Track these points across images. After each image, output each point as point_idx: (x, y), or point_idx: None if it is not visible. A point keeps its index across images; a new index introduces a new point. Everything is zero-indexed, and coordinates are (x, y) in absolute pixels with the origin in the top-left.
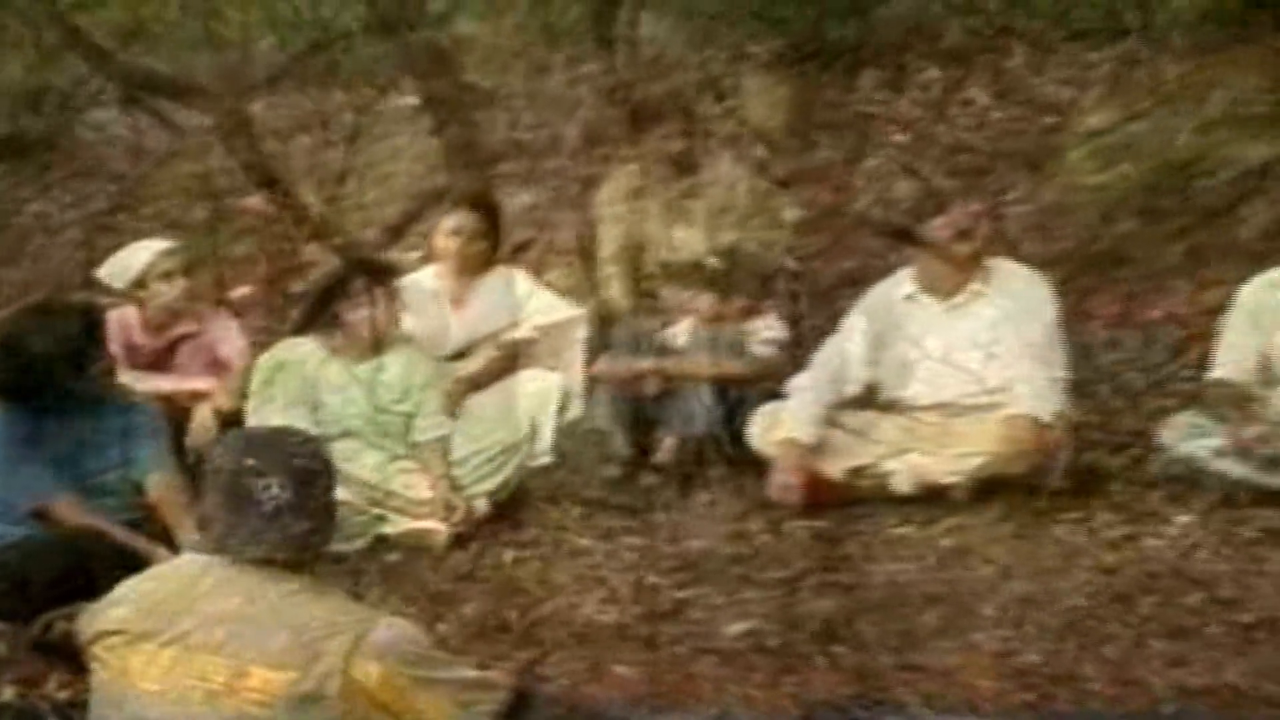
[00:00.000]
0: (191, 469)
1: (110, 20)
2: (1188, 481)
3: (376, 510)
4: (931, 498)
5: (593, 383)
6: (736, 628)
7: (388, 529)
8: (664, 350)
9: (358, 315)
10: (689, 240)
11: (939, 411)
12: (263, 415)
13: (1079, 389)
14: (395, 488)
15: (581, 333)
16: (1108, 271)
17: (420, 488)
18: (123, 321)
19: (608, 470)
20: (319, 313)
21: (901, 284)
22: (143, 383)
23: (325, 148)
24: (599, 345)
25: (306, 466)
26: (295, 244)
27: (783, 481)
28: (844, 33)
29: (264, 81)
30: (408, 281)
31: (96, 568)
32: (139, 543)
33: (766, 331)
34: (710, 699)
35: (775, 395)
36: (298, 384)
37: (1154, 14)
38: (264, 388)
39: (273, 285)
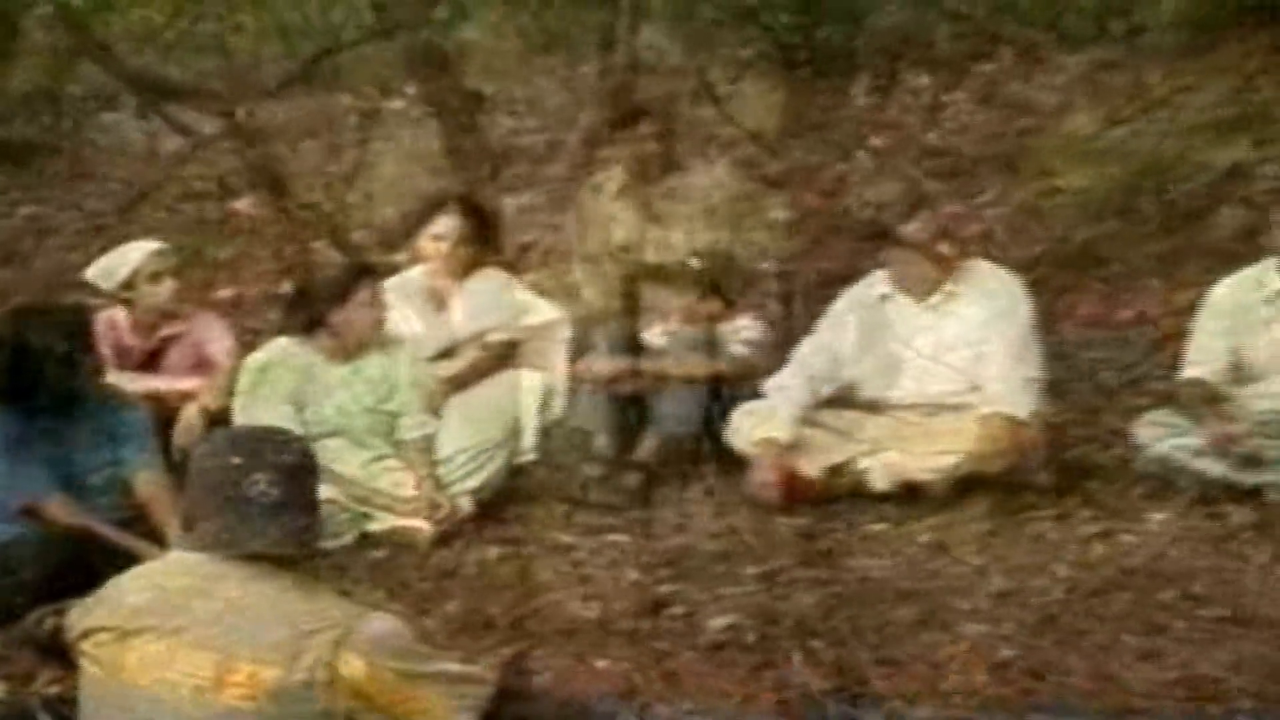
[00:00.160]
0: (179, 468)
1: (124, 26)
2: (1162, 479)
3: (362, 508)
4: (909, 495)
5: (575, 382)
6: (717, 623)
7: (373, 526)
8: (644, 350)
9: (343, 316)
10: (669, 241)
11: (916, 410)
12: (249, 415)
13: (1055, 388)
14: (381, 486)
15: (565, 334)
16: (1084, 272)
17: (405, 486)
18: (112, 322)
19: (590, 468)
20: (305, 314)
21: (877, 285)
22: (132, 383)
23: (331, 150)
24: (581, 345)
25: (292, 463)
26: (283, 245)
27: (761, 479)
28: (837, 38)
29: (274, 87)
30: (394, 282)
31: (87, 566)
32: (129, 541)
33: (745, 332)
34: (691, 693)
35: (754, 395)
36: (284, 384)
37: (1137, 20)
38: (251, 388)
39: (260, 286)
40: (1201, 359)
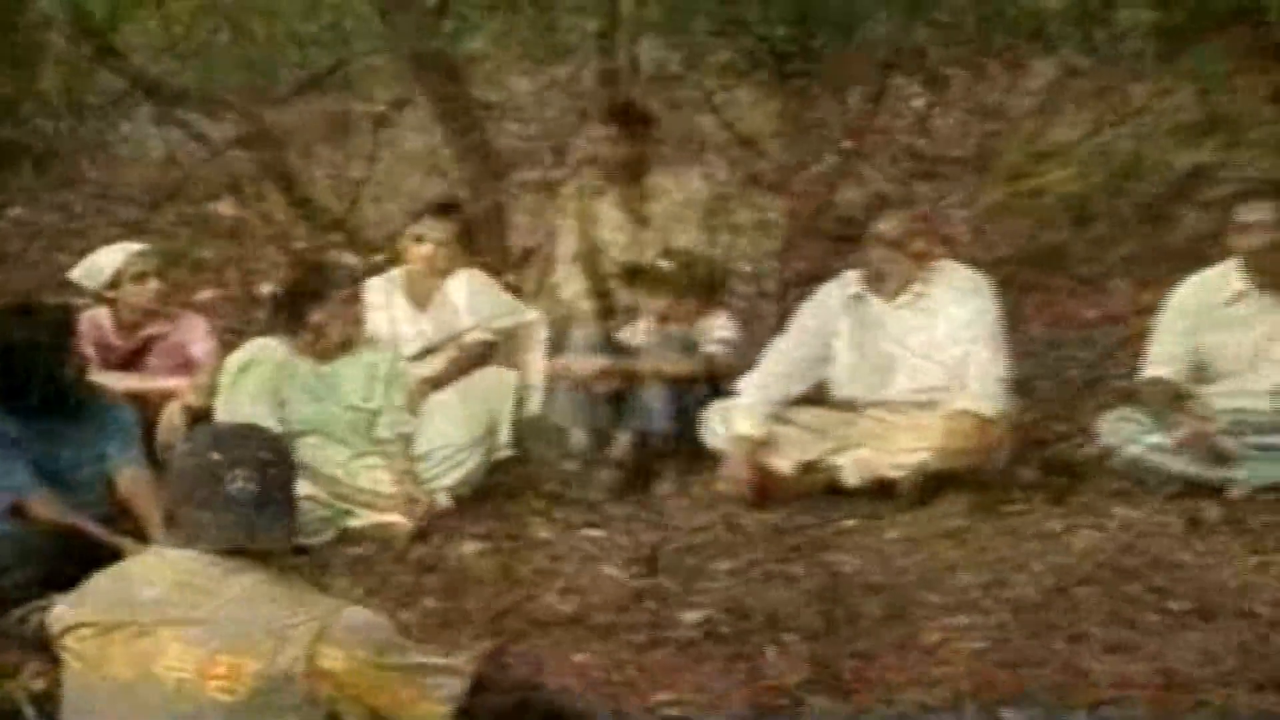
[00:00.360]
0: (162, 465)
1: (142, 36)
2: (1130, 476)
3: (342, 505)
4: (881, 491)
5: (553, 380)
6: (692, 617)
7: (353, 523)
8: (620, 349)
9: (324, 316)
10: (646, 242)
11: (886, 408)
12: (231, 413)
13: (1021, 386)
14: (360, 483)
15: (541, 334)
16: (1052, 272)
17: (384, 483)
18: (95, 322)
19: (566, 465)
20: (286, 314)
21: (848, 284)
22: (115, 382)
23: (342, 155)
24: (558, 345)
25: (272, 459)
26: (264, 246)
27: (735, 476)
28: (830, 48)
29: (288, 95)
30: (375, 282)
31: (72, 563)
32: (112, 538)
33: (719, 331)
34: (665, 686)
35: (729, 393)
36: (265, 382)
37: (1119, 27)
38: (232, 386)
39: (242, 287)
40: (1164, 358)
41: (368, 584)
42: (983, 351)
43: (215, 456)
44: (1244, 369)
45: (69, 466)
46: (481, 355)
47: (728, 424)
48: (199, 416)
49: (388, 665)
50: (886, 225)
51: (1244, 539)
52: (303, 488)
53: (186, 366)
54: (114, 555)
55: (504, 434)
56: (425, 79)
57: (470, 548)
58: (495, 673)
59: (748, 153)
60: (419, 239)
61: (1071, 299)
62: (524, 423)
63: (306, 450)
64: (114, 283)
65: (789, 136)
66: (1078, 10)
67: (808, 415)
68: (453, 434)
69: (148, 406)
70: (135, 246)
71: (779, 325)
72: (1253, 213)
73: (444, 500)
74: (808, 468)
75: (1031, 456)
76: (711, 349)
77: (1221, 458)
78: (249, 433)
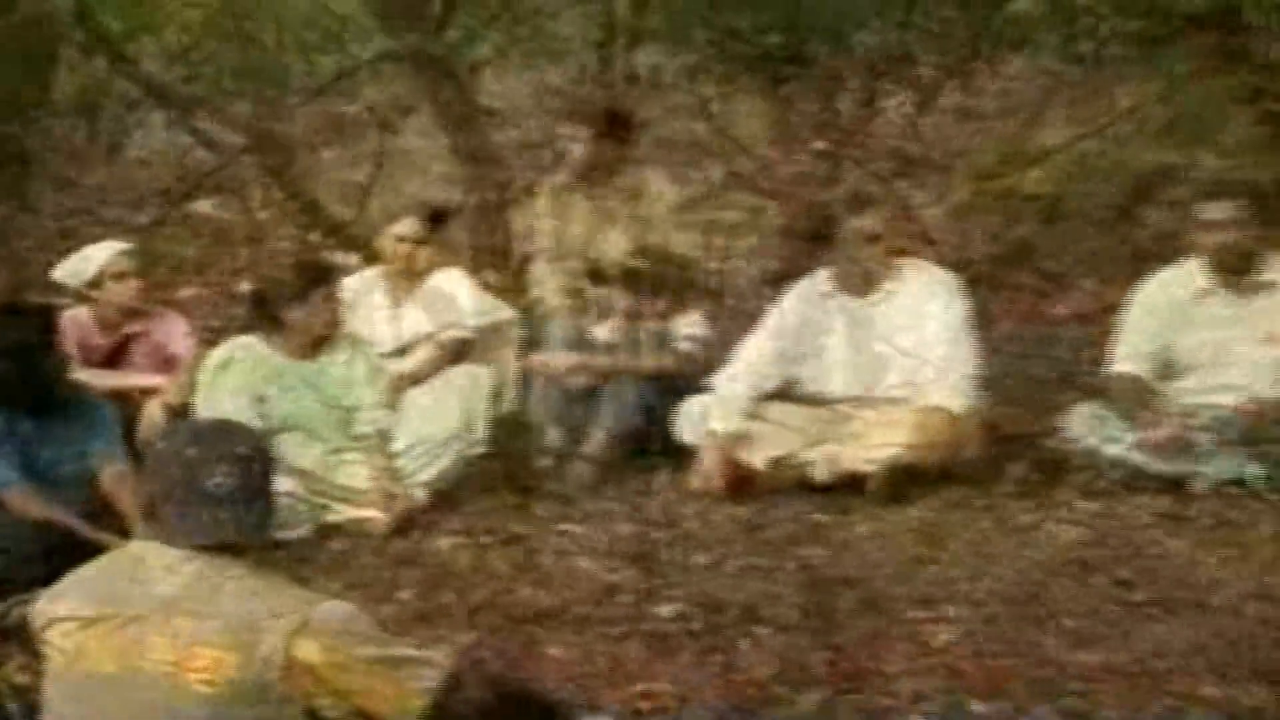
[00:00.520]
0: (142, 461)
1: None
2: (1094, 470)
3: (321, 500)
4: (849, 486)
5: (528, 376)
6: (665, 610)
7: (332, 518)
8: (593, 346)
9: (301, 314)
10: (619, 240)
11: (855, 404)
12: (210, 409)
13: (989, 383)
14: (339, 478)
15: (516, 332)
16: (1019, 270)
17: (362, 478)
18: (77, 320)
19: (541, 461)
20: (265, 312)
21: (820, 283)
22: (97, 379)
23: (348, 160)
24: (532, 342)
25: (250, 455)
26: (239, 248)
27: (708, 471)
28: (822, 55)
29: (295, 103)
30: (353, 281)
31: (53, 557)
32: (94, 533)
33: (690, 329)
34: (641, 678)
35: (701, 389)
36: (244, 379)
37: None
38: (211, 383)
39: (221, 286)
40: (1131, 354)
41: (346, 578)
42: (952, 348)
43: (193, 452)
44: (1207, 365)
45: (51, 463)
46: (458, 352)
47: (701, 420)
48: (179, 413)
49: (365, 657)
50: (865, 222)
51: (1209, 533)
52: (281, 483)
53: (167, 364)
54: (96, 550)
55: (480, 430)
56: (430, 85)
57: (447, 542)
58: (471, 666)
59: (733, 153)
60: (399, 239)
61: (1039, 297)
62: (500, 419)
63: (285, 446)
64: (96, 281)
65: (777, 140)
66: (1060, 18)
67: (778, 411)
68: (430, 430)
69: (129, 404)
70: (117, 245)
71: (750, 323)
72: (1216, 211)
73: (421, 495)
74: (778, 463)
75: (997, 452)
76: (684, 346)
77: (1183, 452)
78: (227, 429)
